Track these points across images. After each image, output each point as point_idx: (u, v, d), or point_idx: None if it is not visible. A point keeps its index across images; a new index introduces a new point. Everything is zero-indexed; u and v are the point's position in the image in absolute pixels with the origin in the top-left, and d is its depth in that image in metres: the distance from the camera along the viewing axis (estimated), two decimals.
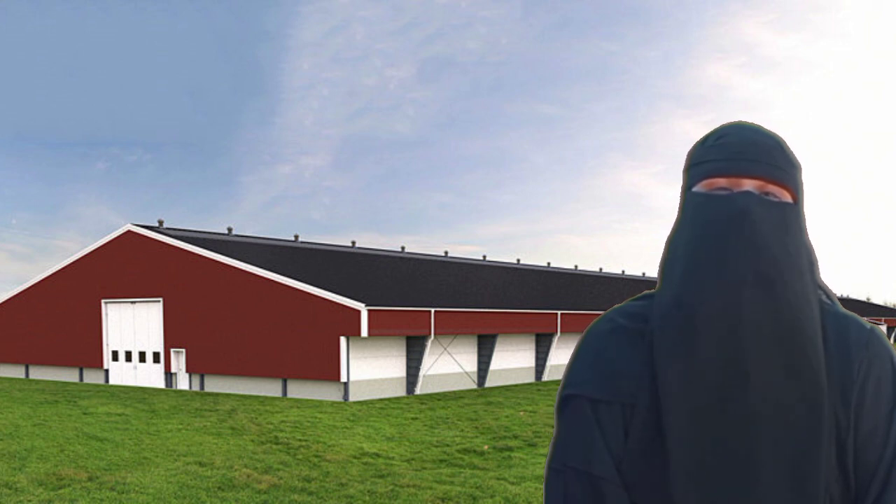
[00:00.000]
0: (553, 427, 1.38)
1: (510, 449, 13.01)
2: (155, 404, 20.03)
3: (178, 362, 26.01)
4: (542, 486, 1.36)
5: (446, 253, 39.71)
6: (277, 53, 79.92)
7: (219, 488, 9.82)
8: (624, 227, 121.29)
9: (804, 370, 1.24)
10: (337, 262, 29.63)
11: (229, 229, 30.23)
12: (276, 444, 13.54)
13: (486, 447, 13.11)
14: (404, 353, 24.11)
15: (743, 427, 1.20)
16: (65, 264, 29.90)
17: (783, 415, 1.21)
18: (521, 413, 18.21)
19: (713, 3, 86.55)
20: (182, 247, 25.84)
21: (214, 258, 24.79)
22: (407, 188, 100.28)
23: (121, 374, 27.96)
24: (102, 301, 28.32)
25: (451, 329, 24.39)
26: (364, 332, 21.38)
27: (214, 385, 24.94)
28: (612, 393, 1.30)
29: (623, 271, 52.89)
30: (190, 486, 9.93)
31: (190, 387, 25.61)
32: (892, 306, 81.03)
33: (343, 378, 21.80)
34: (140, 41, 67.54)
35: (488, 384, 26.80)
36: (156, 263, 26.53)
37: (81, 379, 29.15)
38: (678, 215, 1.36)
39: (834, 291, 1.36)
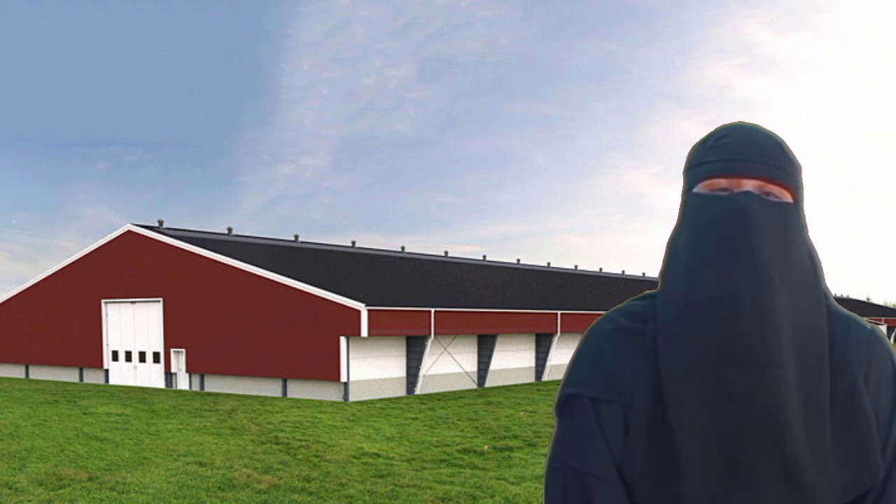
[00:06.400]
0: (553, 426, 1.38)
1: (510, 449, 13.01)
2: (155, 404, 20.03)
3: (178, 362, 26.01)
4: (542, 486, 1.36)
5: (446, 253, 39.71)
6: (277, 53, 79.96)
7: (219, 488, 9.83)
8: (624, 227, 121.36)
9: (809, 369, 1.24)
10: (337, 262, 29.63)
11: (229, 229, 30.24)
12: (276, 444, 13.54)
13: (486, 447, 13.11)
14: (404, 353, 24.12)
15: (749, 424, 1.21)
16: (65, 264, 29.90)
17: (789, 413, 1.21)
18: (521, 413, 18.21)
19: (713, 3, 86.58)
20: (182, 247, 25.84)
21: (214, 258, 24.79)
22: (407, 188, 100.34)
23: (121, 374, 27.96)
24: (102, 301, 28.32)
25: (451, 329, 24.39)
26: (364, 332, 21.38)
27: (214, 385, 24.95)
28: (613, 392, 1.30)
29: (623, 271, 52.89)
30: (190, 486, 9.93)
31: (190, 387, 25.61)
32: (892, 306, 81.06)
33: (343, 378, 21.80)
34: (140, 41, 67.56)
35: (488, 384, 26.80)
36: (156, 263, 26.53)
37: (81, 379, 29.15)
38: (679, 216, 1.36)
39: (832, 291, 1.37)
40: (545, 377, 29.36)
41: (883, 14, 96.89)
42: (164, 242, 26.46)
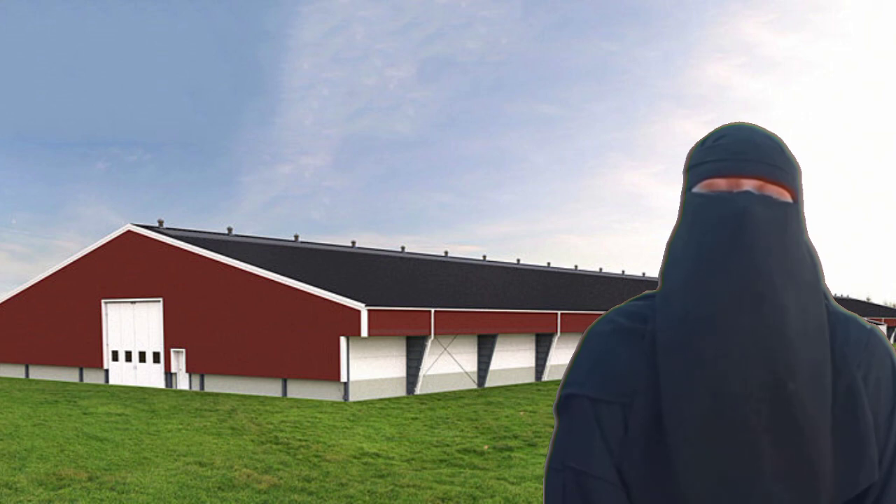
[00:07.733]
0: (553, 427, 1.38)
1: (510, 449, 13.01)
2: (155, 404, 20.03)
3: (178, 362, 26.01)
4: (542, 486, 1.36)
5: (446, 253, 39.70)
6: (277, 53, 79.97)
7: (219, 488, 9.83)
8: (624, 227, 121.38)
9: (808, 370, 1.24)
10: (337, 262, 29.63)
11: (229, 229, 30.23)
12: (276, 444, 13.54)
13: (486, 447, 13.11)
14: (404, 353, 24.11)
15: (747, 428, 1.21)
16: (65, 264, 29.89)
17: (787, 415, 1.21)
18: (521, 413, 18.21)
19: (713, 3, 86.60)
20: (182, 247, 25.84)
21: (214, 258, 24.79)
22: (407, 188, 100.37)
23: (121, 374, 27.95)
24: (102, 301, 28.32)
25: (451, 329, 24.39)
26: (364, 332, 21.38)
27: (214, 385, 24.94)
28: (613, 393, 1.30)
29: (623, 271, 52.89)
30: (190, 486, 9.93)
31: (190, 387, 25.61)
32: (892, 306, 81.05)
33: (343, 378, 21.80)
34: (140, 41, 67.57)
35: (488, 384, 26.80)
36: (156, 263, 26.53)
37: (81, 379, 29.15)
38: (678, 216, 1.37)
39: (832, 291, 1.36)
40: (545, 377, 29.36)
41: (883, 14, 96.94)
42: (164, 242, 26.46)
